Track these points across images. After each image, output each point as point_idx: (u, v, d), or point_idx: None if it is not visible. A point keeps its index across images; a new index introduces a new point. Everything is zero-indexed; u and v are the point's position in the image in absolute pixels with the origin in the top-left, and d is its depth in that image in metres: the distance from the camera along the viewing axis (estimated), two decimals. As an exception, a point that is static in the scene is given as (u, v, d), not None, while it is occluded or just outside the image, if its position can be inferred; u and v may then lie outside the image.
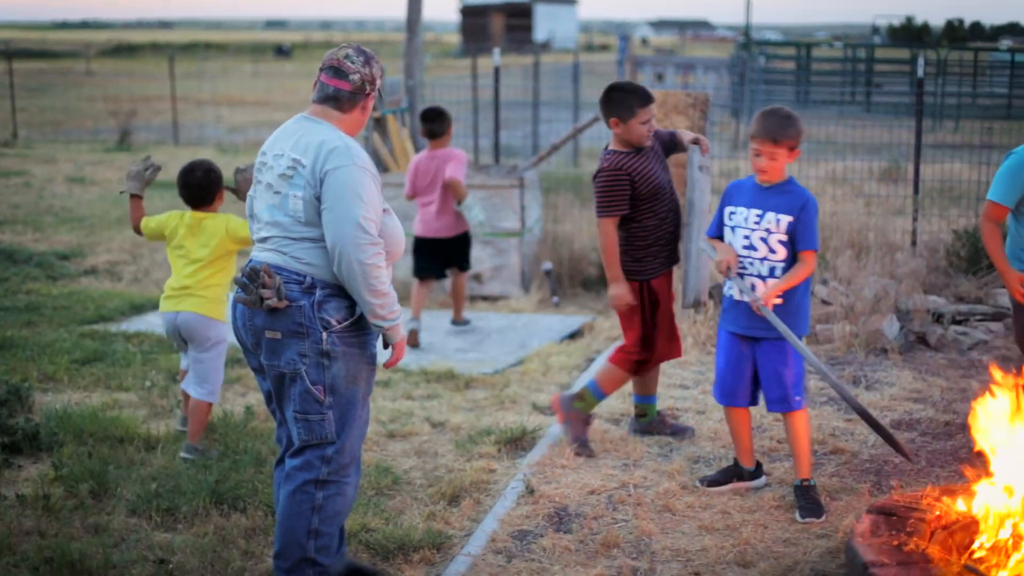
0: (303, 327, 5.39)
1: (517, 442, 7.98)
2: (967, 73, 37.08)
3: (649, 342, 7.90)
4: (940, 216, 13.93)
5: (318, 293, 5.40)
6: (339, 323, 5.44)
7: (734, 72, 35.45)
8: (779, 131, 6.78)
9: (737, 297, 7.01)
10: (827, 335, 10.52)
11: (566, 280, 13.26)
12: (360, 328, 5.52)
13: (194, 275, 7.67)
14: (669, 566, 6.13)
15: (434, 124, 11.02)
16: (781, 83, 39.00)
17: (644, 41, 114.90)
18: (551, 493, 7.08)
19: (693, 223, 7.63)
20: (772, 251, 6.89)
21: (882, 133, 19.55)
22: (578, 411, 7.97)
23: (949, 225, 13.19)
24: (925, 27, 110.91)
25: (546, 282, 12.90)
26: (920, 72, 12.85)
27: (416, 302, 11.00)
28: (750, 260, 6.95)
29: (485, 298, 12.70)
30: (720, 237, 7.13)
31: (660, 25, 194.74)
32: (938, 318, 10.76)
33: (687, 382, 9.47)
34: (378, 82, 5.59)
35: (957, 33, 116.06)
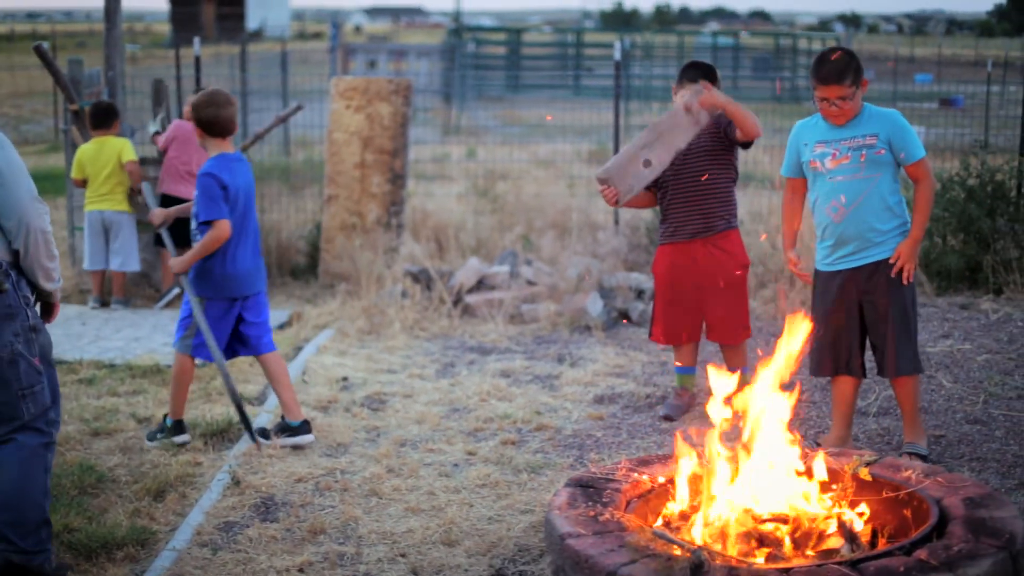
0: (12, 308, 5.49)
1: (223, 434, 7.92)
2: (673, 56, 38.15)
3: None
4: (642, 195, 14.26)
5: (13, 274, 5.52)
6: (30, 296, 5.63)
7: (446, 58, 35.77)
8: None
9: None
10: (533, 315, 10.71)
11: (274, 270, 13.13)
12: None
13: None
14: (375, 549, 6.17)
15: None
16: (492, 68, 39.52)
17: (357, 28, 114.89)
18: (257, 483, 7.05)
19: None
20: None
21: (591, 116, 19.90)
22: None
23: (650, 203, 13.49)
24: (635, 11, 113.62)
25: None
26: (617, 55, 13.13)
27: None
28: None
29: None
30: None
31: (374, 12, 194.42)
32: (639, 294, 11.07)
33: (394, 366, 9.53)
34: None
35: (665, 17, 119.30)
